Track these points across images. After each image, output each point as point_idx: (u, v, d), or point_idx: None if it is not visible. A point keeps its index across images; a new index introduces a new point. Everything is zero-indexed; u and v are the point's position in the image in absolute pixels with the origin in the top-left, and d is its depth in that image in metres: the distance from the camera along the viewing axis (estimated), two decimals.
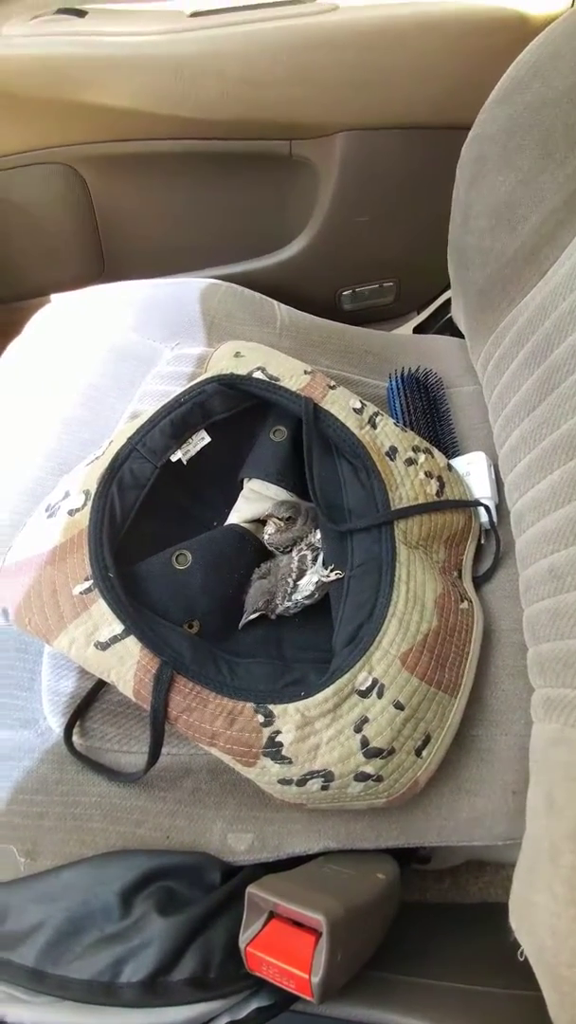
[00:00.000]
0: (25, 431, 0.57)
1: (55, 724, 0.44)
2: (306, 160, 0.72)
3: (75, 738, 0.43)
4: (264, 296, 0.67)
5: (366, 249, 0.81)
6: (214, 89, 0.66)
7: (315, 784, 0.38)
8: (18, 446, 0.56)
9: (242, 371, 0.52)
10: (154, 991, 0.33)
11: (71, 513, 0.44)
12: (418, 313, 0.93)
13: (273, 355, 0.55)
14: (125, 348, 0.61)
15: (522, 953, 0.27)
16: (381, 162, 0.72)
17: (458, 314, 0.61)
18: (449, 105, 0.67)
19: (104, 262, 0.82)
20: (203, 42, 0.65)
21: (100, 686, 0.45)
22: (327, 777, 0.37)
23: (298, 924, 0.32)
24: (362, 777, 0.38)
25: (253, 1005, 0.34)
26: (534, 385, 0.45)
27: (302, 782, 0.38)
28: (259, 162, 0.73)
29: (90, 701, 0.45)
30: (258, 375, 0.52)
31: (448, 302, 0.82)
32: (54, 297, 0.70)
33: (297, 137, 0.70)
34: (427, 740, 0.39)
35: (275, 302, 0.67)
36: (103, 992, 0.32)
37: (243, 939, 0.33)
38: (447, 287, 0.83)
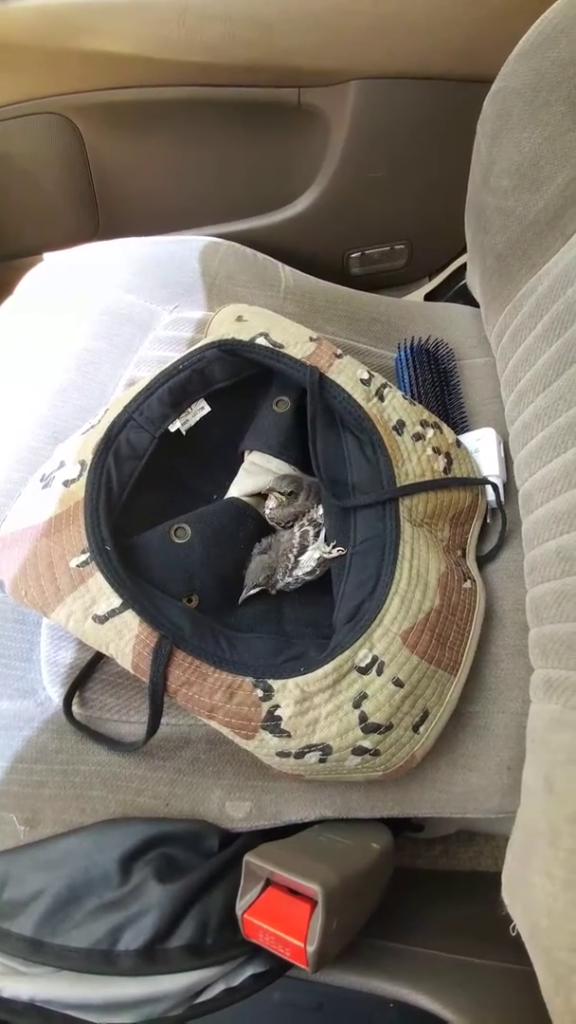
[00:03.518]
0: (17, 397, 0.55)
1: (54, 694, 0.44)
2: (315, 109, 0.68)
3: (74, 708, 0.44)
4: (268, 257, 0.64)
5: (377, 208, 0.77)
6: (219, 32, 0.61)
7: (313, 757, 0.38)
8: (10, 412, 0.54)
9: (244, 337, 0.50)
10: (152, 959, 0.33)
11: (66, 484, 0.43)
12: (430, 279, 0.89)
13: (277, 320, 0.53)
14: (121, 310, 0.58)
15: (514, 928, 0.28)
16: (395, 114, 0.68)
17: (473, 281, 0.59)
18: (470, 56, 0.63)
19: (99, 219, 0.79)
20: None
21: (99, 657, 0.45)
22: (325, 750, 0.38)
23: (294, 892, 0.33)
24: (360, 751, 0.38)
25: (248, 972, 0.35)
26: (551, 359, 0.43)
27: (300, 755, 0.38)
28: (265, 111, 0.68)
29: (89, 672, 0.45)
30: (261, 341, 0.49)
31: (462, 268, 0.79)
32: (47, 256, 0.67)
33: (306, 85, 0.66)
34: (425, 716, 0.40)
35: (279, 264, 0.64)
36: (101, 961, 0.33)
37: (240, 906, 0.34)
38: (462, 252, 0.80)
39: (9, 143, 0.70)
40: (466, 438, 0.52)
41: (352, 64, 0.64)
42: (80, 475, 0.43)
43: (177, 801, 0.42)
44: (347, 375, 0.49)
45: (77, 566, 0.40)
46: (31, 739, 0.43)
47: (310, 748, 0.38)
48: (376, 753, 0.38)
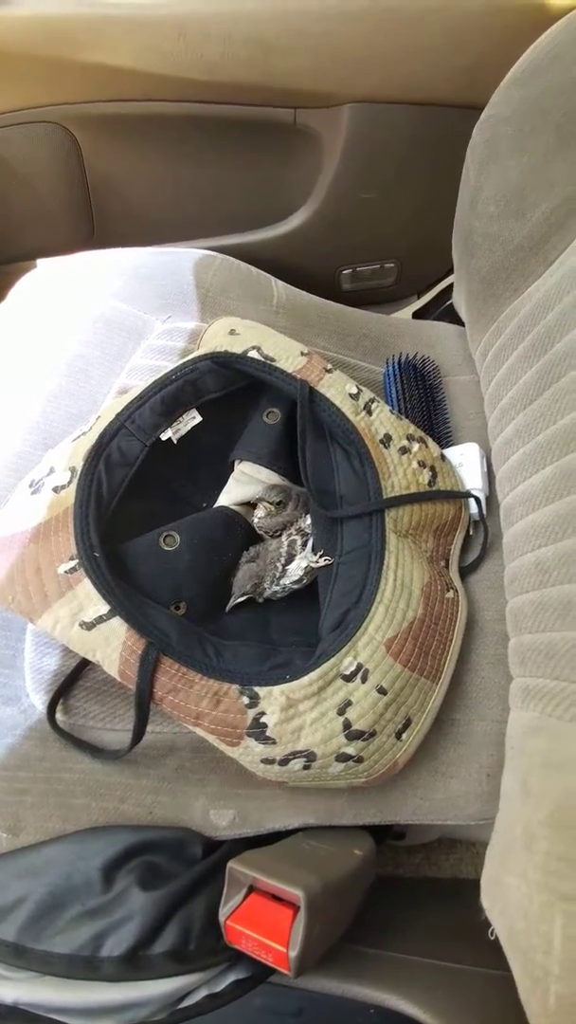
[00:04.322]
0: (7, 402, 0.55)
1: (38, 701, 0.44)
2: (311, 130, 0.70)
3: (58, 715, 0.43)
4: (261, 271, 0.65)
5: (368, 227, 0.79)
6: (219, 51, 0.63)
7: (297, 764, 0.38)
8: (0, 418, 0.54)
9: (237, 349, 0.50)
10: (134, 965, 0.33)
11: (56, 490, 0.43)
12: (418, 297, 0.91)
13: (269, 334, 0.54)
14: (114, 318, 0.59)
15: (493, 932, 0.28)
16: (389, 137, 0.70)
17: (459, 301, 0.60)
18: (463, 84, 0.65)
19: (94, 227, 0.79)
20: (210, 2, 0.62)
21: (84, 664, 0.45)
22: (309, 757, 0.38)
23: (277, 898, 0.33)
24: (343, 758, 0.38)
25: (231, 978, 0.35)
26: (532, 378, 0.45)
27: (284, 762, 0.38)
28: (261, 129, 0.70)
29: (74, 679, 0.44)
30: (253, 354, 0.50)
31: (449, 288, 0.81)
32: (40, 262, 0.67)
33: (303, 105, 0.68)
34: (407, 724, 0.40)
35: (272, 278, 0.65)
36: (84, 966, 0.33)
37: (223, 912, 0.34)
38: (449, 272, 0.82)
39: (6, 150, 0.70)
40: (450, 452, 0.54)
41: (348, 88, 0.66)
42: (70, 481, 0.44)
43: (161, 809, 0.42)
44: (336, 389, 0.50)
45: (65, 572, 0.40)
46: (14, 746, 0.43)
47: (294, 755, 0.38)
48: (359, 760, 0.39)
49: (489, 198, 0.49)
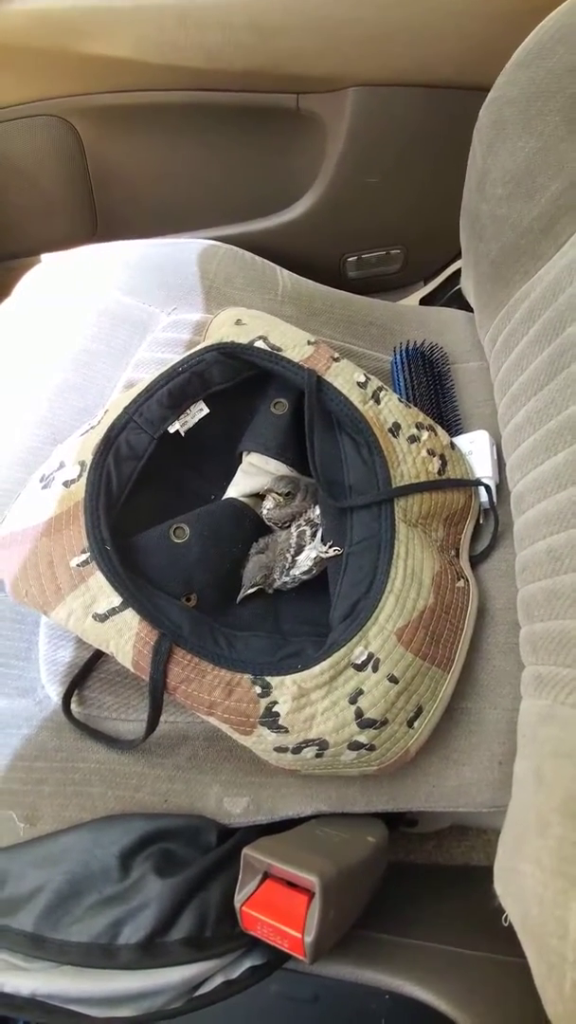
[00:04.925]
0: (15, 398, 0.55)
1: (53, 693, 0.44)
2: (314, 115, 0.69)
3: (73, 706, 0.44)
4: (266, 260, 0.65)
5: (373, 213, 0.78)
6: (219, 38, 0.62)
7: (310, 752, 0.39)
8: (9, 413, 0.54)
9: (243, 340, 0.50)
10: (151, 952, 0.34)
11: (66, 484, 0.44)
12: (425, 284, 0.90)
13: (275, 324, 0.54)
14: (119, 312, 0.59)
15: (506, 919, 0.29)
16: (393, 121, 0.68)
17: (468, 286, 0.60)
18: (468, 65, 0.64)
19: (97, 221, 0.79)
20: None
21: (98, 656, 0.45)
22: (322, 745, 0.38)
23: (292, 885, 0.34)
24: (355, 746, 0.39)
25: (247, 964, 0.36)
26: (543, 364, 0.44)
27: (297, 750, 0.39)
28: (264, 116, 0.69)
29: (88, 670, 0.45)
30: (260, 344, 0.50)
31: (456, 273, 0.80)
32: (44, 257, 0.67)
33: (305, 90, 0.67)
34: (419, 712, 0.40)
35: (277, 267, 0.64)
36: (101, 954, 0.33)
37: (238, 899, 0.34)
38: (456, 257, 0.81)
39: (8, 144, 0.70)
40: (460, 440, 0.53)
41: (351, 71, 0.65)
42: (80, 476, 0.44)
43: (176, 797, 0.43)
44: (344, 378, 0.49)
45: (77, 565, 0.40)
46: (30, 737, 0.43)
47: (307, 743, 0.38)
48: (371, 748, 0.39)
49: (497, 180, 0.48)
